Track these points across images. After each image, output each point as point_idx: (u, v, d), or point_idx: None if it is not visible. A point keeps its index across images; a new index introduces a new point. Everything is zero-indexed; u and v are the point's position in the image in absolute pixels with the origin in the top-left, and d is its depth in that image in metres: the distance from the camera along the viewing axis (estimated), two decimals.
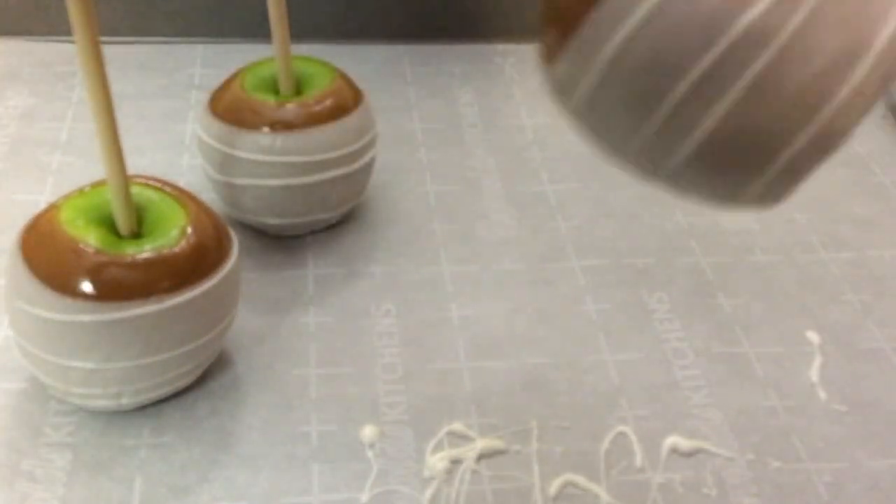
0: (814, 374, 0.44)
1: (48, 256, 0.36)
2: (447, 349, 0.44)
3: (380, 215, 0.51)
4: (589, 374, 0.43)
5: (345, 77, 0.48)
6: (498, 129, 0.58)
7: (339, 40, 0.63)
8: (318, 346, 0.43)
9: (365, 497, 0.37)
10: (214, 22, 0.63)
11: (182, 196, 0.39)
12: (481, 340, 0.44)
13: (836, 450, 0.40)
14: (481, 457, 0.39)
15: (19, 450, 0.38)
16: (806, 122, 0.24)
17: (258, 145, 0.45)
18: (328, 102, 0.46)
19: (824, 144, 0.25)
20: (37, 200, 0.49)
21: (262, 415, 0.40)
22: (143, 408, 0.40)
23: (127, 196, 0.37)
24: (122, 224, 0.38)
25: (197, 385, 0.41)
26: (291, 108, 0.45)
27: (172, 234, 0.37)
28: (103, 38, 0.34)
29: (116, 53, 0.52)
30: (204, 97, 0.48)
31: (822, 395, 0.43)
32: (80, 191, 0.39)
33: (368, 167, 0.49)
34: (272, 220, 0.47)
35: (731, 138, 0.25)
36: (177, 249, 0.37)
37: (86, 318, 0.36)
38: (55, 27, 0.61)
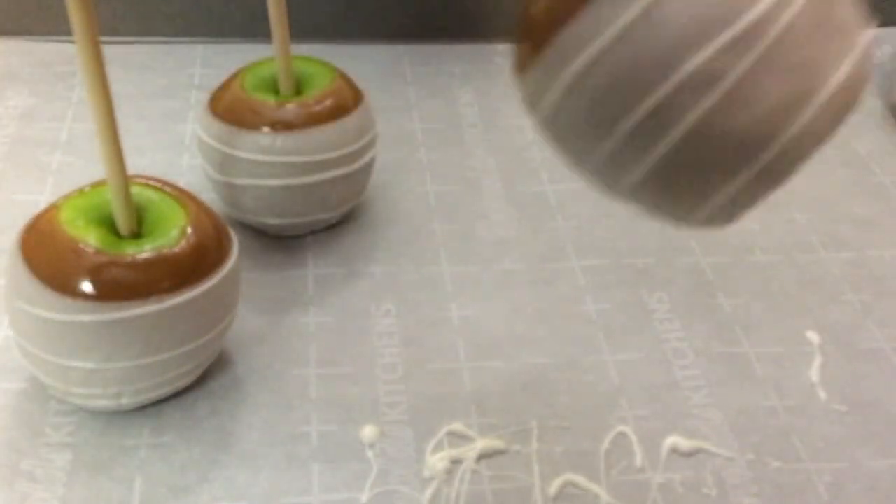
0: (814, 374, 0.44)
1: (48, 256, 0.36)
2: (447, 349, 0.44)
3: (380, 215, 0.51)
4: (589, 374, 0.43)
5: (345, 77, 0.48)
6: (498, 129, 0.58)
7: (339, 40, 0.63)
8: (318, 346, 0.43)
9: (365, 497, 0.37)
10: (214, 22, 0.63)
11: (182, 196, 0.39)
12: (481, 340, 0.44)
13: (836, 450, 0.40)
14: (481, 457, 0.39)
15: (19, 450, 0.38)
16: (751, 158, 0.25)
17: (258, 145, 0.45)
18: (328, 102, 0.46)
19: (772, 177, 0.26)
20: (37, 200, 0.49)
21: (262, 415, 0.40)
22: (143, 408, 0.40)
23: (127, 196, 0.37)
24: (122, 224, 0.38)
25: (197, 385, 0.41)
26: (291, 108, 0.45)
27: (172, 234, 0.37)
28: (103, 38, 0.34)
29: (116, 53, 0.52)
30: (204, 97, 0.48)
31: (822, 395, 0.43)
32: (80, 191, 0.39)
33: (368, 167, 0.49)
34: (272, 220, 0.47)
35: (681, 167, 0.26)
36: (177, 249, 0.37)
37: (86, 318, 0.36)
38: (55, 27, 0.61)
